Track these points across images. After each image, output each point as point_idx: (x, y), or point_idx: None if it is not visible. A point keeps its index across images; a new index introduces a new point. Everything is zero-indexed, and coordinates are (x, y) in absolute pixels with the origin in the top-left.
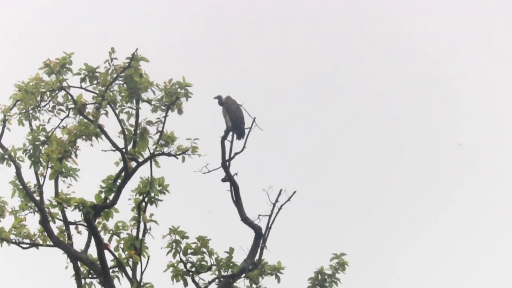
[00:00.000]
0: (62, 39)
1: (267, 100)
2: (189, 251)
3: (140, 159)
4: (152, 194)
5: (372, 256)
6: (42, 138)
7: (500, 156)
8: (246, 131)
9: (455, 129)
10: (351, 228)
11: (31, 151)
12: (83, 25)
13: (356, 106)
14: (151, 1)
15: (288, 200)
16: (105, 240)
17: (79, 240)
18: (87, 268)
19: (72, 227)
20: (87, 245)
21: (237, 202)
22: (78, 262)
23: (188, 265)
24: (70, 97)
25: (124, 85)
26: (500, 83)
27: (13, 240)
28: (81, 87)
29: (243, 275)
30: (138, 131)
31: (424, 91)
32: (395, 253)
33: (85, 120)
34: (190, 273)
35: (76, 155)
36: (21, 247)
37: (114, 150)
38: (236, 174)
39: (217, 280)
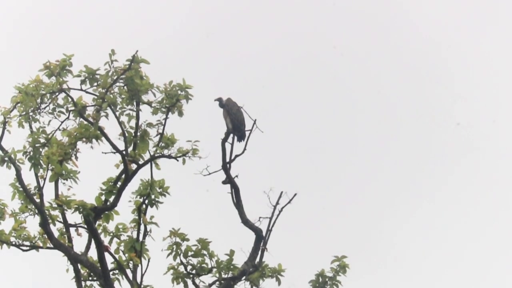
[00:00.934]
0: (62, 41)
1: (268, 102)
2: (190, 253)
3: (141, 161)
4: (153, 196)
5: (373, 258)
6: (42, 140)
7: (499, 136)
8: (247, 133)
9: (453, 109)
10: (352, 230)
11: (31, 153)
12: (84, 26)
13: (354, 86)
14: (152, 3)
15: (289, 202)
16: (106, 243)
17: (80, 242)
18: (87, 271)
19: (72, 230)
20: (87, 247)
21: (238, 204)
22: (79, 265)
23: (189, 267)
24: (70, 99)
25: (125, 87)
26: (499, 63)
27: (13, 243)
28: (81, 89)
29: (244, 277)
30: (138, 133)
31: (422, 71)
32: (393, 244)
33: (85, 122)
34: (191, 276)
35: (76, 157)
36: (21, 249)
37: (114, 152)
38: (236, 176)
39: (217, 283)
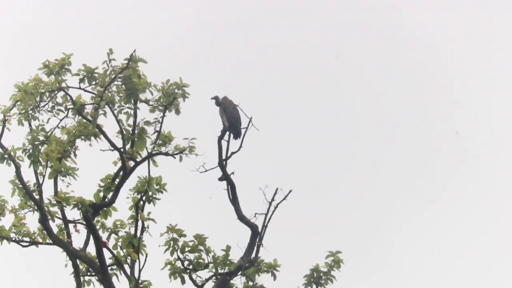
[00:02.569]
0: (62, 40)
1: (265, 101)
2: (187, 249)
3: (138, 159)
4: (150, 193)
5: (368, 254)
6: (41, 138)
7: (497, 146)
8: (243, 131)
9: (452, 119)
10: (346, 226)
11: (31, 150)
12: (83, 26)
13: (355, 95)
14: (149, 2)
15: (284, 199)
16: (104, 238)
17: (78, 238)
18: (86, 266)
19: (71, 226)
20: (86, 243)
21: (234, 200)
22: (77, 260)
23: (186, 263)
24: (69, 98)
25: (123, 85)
26: (498, 73)
27: (13, 239)
28: (80, 88)
29: (240, 272)
30: (136, 131)
31: (422, 81)
32: (391, 249)
33: (84, 120)
34: (188, 271)
35: (75, 155)
36: (21, 245)
37: (112, 150)
38: (232, 173)
39: (214, 278)
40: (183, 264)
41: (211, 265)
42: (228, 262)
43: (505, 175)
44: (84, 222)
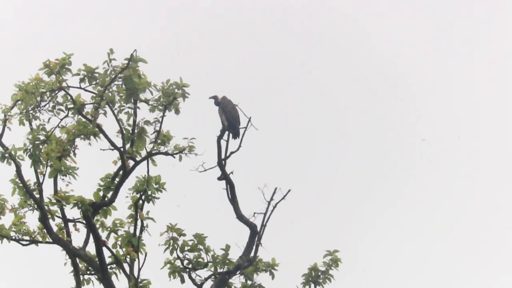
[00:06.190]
0: (62, 40)
1: (261, 100)
2: (186, 248)
3: (138, 158)
4: (149, 192)
5: (364, 252)
6: (42, 137)
7: (463, 152)
8: (242, 130)
9: (418, 126)
10: (344, 225)
11: (31, 150)
12: (83, 26)
13: (322, 104)
14: (145, 2)
15: (283, 198)
16: (103, 237)
17: (78, 237)
18: (85, 265)
19: (70, 225)
20: (86, 242)
21: (233, 200)
22: (77, 259)
23: (185, 262)
24: (69, 97)
25: (123, 85)
26: (464, 81)
27: (13, 237)
28: (80, 88)
29: (239, 271)
30: (136, 131)
31: (388, 89)
32: (385, 250)
33: (84, 120)
34: (187, 270)
35: (75, 154)
36: (21, 244)
37: (112, 149)
38: (231, 172)
39: (213, 277)
40: (182, 263)
41: (210, 264)
42: (227, 261)
43: (470, 180)
44: (84, 221)
